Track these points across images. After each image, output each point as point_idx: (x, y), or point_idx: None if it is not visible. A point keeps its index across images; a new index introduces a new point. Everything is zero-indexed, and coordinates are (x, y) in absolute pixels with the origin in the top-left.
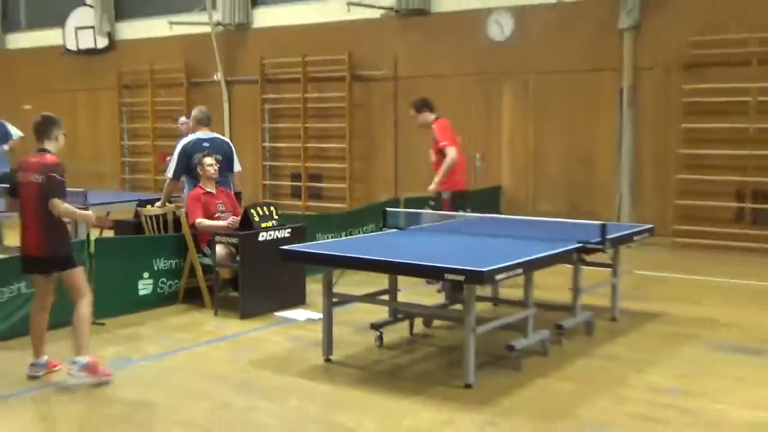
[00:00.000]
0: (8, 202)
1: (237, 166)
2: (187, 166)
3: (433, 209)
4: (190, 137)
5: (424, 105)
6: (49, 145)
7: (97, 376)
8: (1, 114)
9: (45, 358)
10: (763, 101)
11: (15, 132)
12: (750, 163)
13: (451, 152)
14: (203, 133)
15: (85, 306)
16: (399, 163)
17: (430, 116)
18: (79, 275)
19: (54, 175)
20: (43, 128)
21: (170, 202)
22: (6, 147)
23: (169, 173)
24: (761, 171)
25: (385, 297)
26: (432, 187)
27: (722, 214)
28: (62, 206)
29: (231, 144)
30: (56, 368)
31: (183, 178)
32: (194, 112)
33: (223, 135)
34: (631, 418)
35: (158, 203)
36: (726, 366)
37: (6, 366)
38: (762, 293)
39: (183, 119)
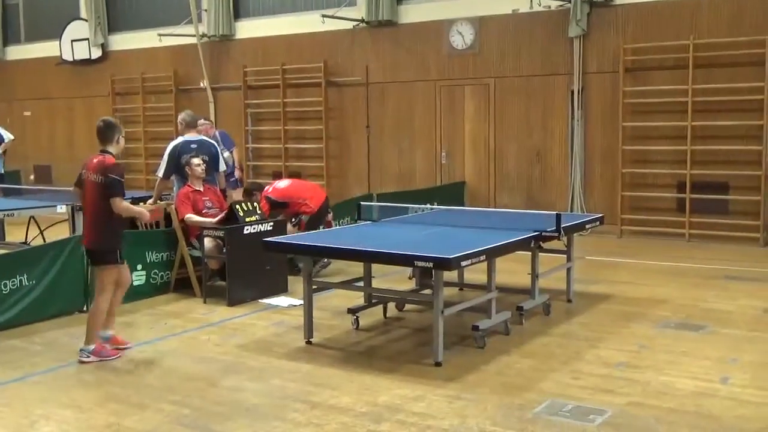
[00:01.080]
0: (75, 194)
1: (222, 166)
2: (177, 167)
3: None
4: (179, 139)
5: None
6: (110, 148)
7: (108, 357)
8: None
9: (109, 332)
10: (698, 101)
11: (6, 135)
12: (689, 157)
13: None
14: (191, 136)
15: (100, 302)
16: (371, 161)
17: None
18: (110, 273)
19: (112, 175)
20: (105, 132)
21: (161, 200)
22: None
23: (160, 173)
24: (699, 165)
25: (361, 284)
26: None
27: (665, 204)
28: (122, 204)
29: (217, 146)
30: (124, 346)
31: (172, 178)
32: (183, 116)
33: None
34: (586, 390)
35: (150, 201)
36: (671, 341)
37: (10, 353)
38: (702, 275)
39: (202, 120)
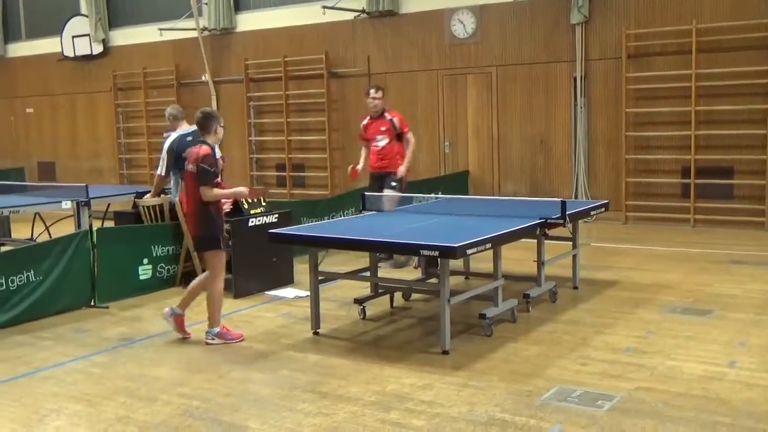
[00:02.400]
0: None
1: (217, 152)
2: (175, 163)
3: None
4: (174, 135)
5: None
6: (208, 138)
7: (231, 340)
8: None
9: (178, 310)
10: (701, 86)
11: None
12: (693, 142)
13: (412, 137)
14: (184, 129)
15: (215, 287)
16: None
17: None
18: (215, 257)
19: (202, 165)
20: (203, 123)
21: (163, 194)
22: None
23: (161, 171)
24: (704, 150)
25: (367, 274)
26: (403, 169)
27: (669, 189)
28: (210, 192)
29: None
30: (185, 335)
31: (170, 173)
32: (171, 111)
33: None
34: (594, 376)
35: (148, 195)
36: (677, 326)
37: (19, 348)
38: (707, 259)
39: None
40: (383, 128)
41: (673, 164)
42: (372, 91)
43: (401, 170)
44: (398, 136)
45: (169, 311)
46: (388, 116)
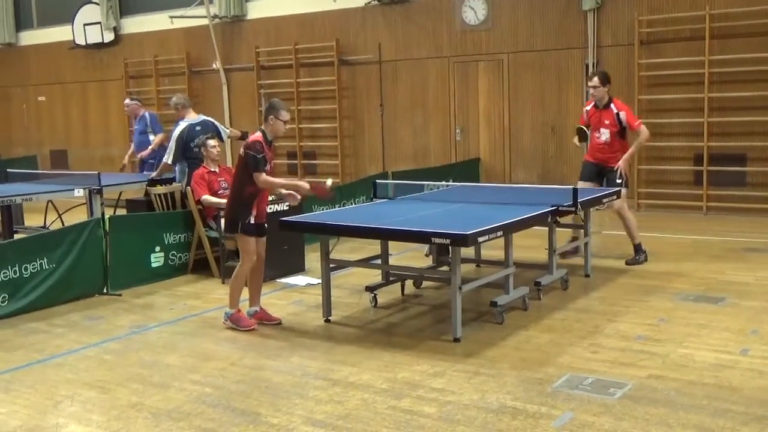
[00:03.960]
0: None
1: (224, 133)
2: (183, 151)
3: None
4: (183, 124)
5: (608, 80)
6: (265, 127)
7: (240, 327)
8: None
9: (253, 309)
10: (714, 72)
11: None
12: (705, 129)
13: (646, 130)
14: (192, 118)
15: (241, 268)
16: (385, 139)
17: (606, 93)
18: (243, 241)
19: (249, 151)
20: (264, 112)
21: (163, 184)
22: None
23: (169, 160)
24: (717, 137)
25: (378, 261)
26: (623, 163)
27: (682, 177)
28: (261, 178)
29: (215, 121)
30: (272, 321)
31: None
32: (177, 100)
33: (224, 119)
34: (606, 364)
35: (153, 174)
36: (690, 313)
37: (33, 335)
38: (720, 247)
39: (127, 101)
40: (606, 121)
41: (686, 151)
42: (591, 80)
43: (620, 164)
44: (622, 132)
45: (225, 316)
46: (614, 109)
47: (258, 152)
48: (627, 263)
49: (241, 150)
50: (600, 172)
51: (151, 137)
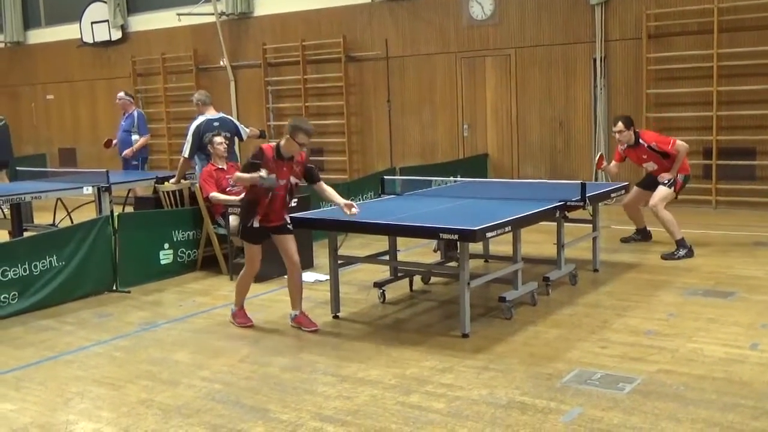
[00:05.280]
0: None
1: (245, 134)
2: (199, 145)
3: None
4: (201, 119)
5: (632, 123)
6: (281, 139)
7: (235, 323)
8: (26, 104)
9: (293, 312)
10: (723, 66)
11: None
12: (714, 123)
13: (682, 145)
14: (211, 114)
15: (244, 272)
16: (393, 135)
17: (632, 134)
18: (248, 248)
19: (249, 158)
20: (287, 127)
21: (185, 179)
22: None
23: (185, 153)
24: (725, 130)
25: (386, 257)
26: (669, 176)
27: (691, 171)
28: (235, 175)
29: (235, 120)
30: (309, 328)
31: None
32: (198, 96)
33: (231, 116)
34: (614, 359)
35: (173, 180)
36: (699, 308)
37: (43, 333)
38: (730, 241)
39: (121, 94)
40: (645, 156)
41: (695, 145)
42: (615, 125)
43: (667, 176)
44: (664, 155)
45: (291, 317)
46: (644, 143)
47: (254, 157)
48: (663, 257)
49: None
50: (656, 183)
51: (135, 137)
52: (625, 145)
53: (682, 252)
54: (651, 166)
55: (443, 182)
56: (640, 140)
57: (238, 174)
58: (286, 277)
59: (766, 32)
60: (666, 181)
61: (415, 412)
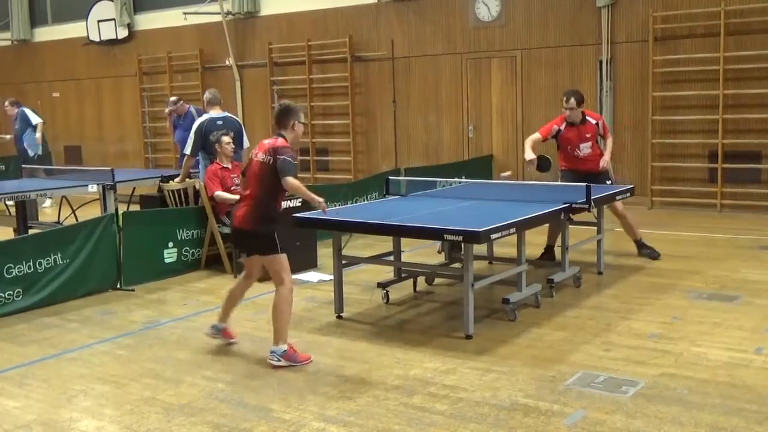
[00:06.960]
0: (241, 180)
1: (246, 142)
2: (203, 144)
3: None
4: (205, 117)
5: (583, 100)
6: (285, 133)
7: (298, 363)
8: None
9: (223, 324)
10: (729, 69)
11: (35, 118)
12: (720, 126)
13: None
14: (216, 113)
15: (282, 293)
16: (398, 136)
17: (580, 113)
18: (279, 261)
19: (282, 156)
20: (280, 117)
21: (189, 178)
22: (38, 134)
23: (188, 151)
24: (731, 134)
25: (390, 258)
26: (607, 164)
27: (696, 174)
28: (294, 182)
29: (241, 122)
30: (232, 340)
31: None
32: (206, 95)
33: (236, 116)
34: (618, 362)
35: (177, 179)
36: (703, 312)
37: (47, 330)
38: (735, 245)
39: (173, 99)
40: (588, 134)
41: (700, 148)
42: (568, 101)
43: (606, 165)
44: (598, 140)
45: (275, 357)
46: (592, 120)
47: (293, 158)
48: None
49: (266, 156)
50: (586, 180)
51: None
52: (565, 124)
53: (646, 251)
54: (586, 149)
55: (448, 183)
56: (588, 117)
57: (305, 189)
58: (293, 276)
59: None
60: (609, 181)
61: (418, 413)
